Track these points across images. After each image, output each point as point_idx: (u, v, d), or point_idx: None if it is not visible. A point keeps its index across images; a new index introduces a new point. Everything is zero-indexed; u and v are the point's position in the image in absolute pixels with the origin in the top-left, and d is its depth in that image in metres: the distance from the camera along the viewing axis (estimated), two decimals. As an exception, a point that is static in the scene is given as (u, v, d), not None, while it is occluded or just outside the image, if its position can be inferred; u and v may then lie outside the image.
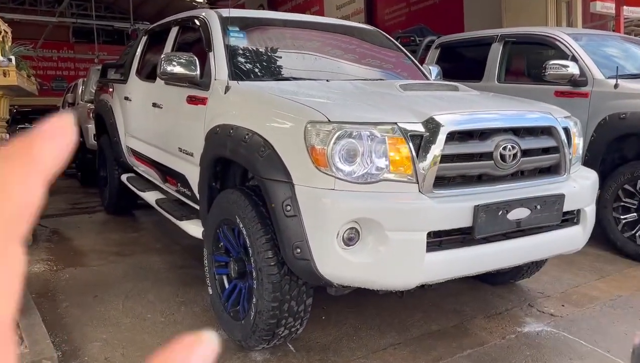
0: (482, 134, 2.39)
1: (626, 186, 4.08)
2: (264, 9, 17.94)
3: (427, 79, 3.89)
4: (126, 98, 4.81)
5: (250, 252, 2.47)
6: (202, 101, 3.15)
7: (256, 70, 3.28)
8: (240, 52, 3.33)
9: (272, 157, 2.36)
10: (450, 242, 2.30)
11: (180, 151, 3.48)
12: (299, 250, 2.21)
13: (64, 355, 2.62)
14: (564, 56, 4.56)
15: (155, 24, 4.82)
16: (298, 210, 2.22)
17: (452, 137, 2.29)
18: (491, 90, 5.06)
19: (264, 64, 3.37)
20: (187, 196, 3.53)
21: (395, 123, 2.25)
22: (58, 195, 7.72)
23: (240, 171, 2.99)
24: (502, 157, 2.38)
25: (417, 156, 2.23)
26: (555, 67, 4.31)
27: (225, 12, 3.49)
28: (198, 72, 3.14)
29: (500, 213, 2.33)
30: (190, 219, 3.43)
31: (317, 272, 2.20)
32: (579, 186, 2.66)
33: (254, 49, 3.44)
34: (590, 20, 9.14)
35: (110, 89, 5.37)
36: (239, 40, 3.39)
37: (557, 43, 4.71)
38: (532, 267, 3.33)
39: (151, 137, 4.16)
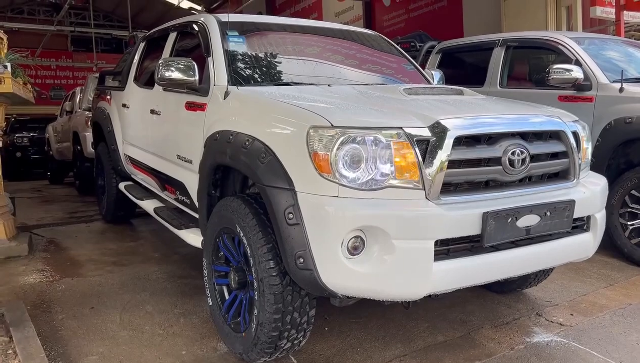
0: (490, 139, 2.32)
1: (633, 192, 4.01)
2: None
3: (430, 83, 3.83)
4: (124, 105, 4.74)
5: (251, 261, 2.39)
6: (201, 107, 3.09)
7: (256, 75, 3.21)
8: (240, 57, 3.26)
9: (273, 164, 2.28)
10: (458, 251, 2.22)
11: (179, 158, 3.41)
12: (301, 260, 2.13)
13: (59, 369, 2.54)
14: (567, 60, 4.51)
15: (153, 30, 4.76)
16: (301, 218, 2.14)
17: (460, 141, 2.22)
18: (494, 95, 5.01)
19: (264, 69, 3.30)
20: (186, 204, 3.45)
21: (401, 127, 2.18)
22: (56, 204, 7.67)
23: (240, 178, 2.92)
24: (511, 162, 2.30)
25: (423, 162, 2.16)
26: (559, 71, 4.26)
27: (224, 17, 3.44)
28: (197, 77, 3.08)
29: (509, 220, 2.25)
30: (189, 228, 3.35)
31: (321, 283, 2.12)
32: (589, 192, 2.58)
33: (254, 54, 3.37)
34: (590, 25, 9.11)
35: (108, 97, 5.31)
36: (238, 45, 3.33)
37: (560, 47, 4.66)
38: (539, 275, 3.25)
39: (149, 145, 4.09)
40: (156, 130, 3.92)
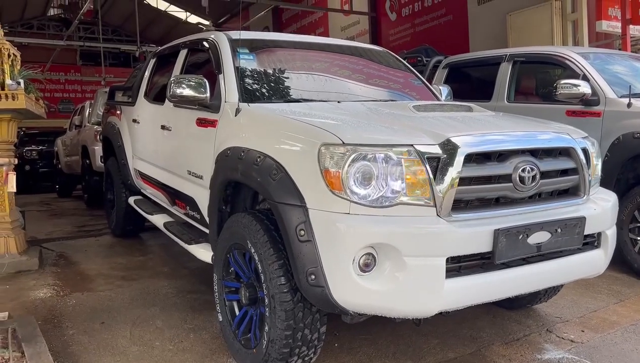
0: (500, 156, 2.33)
1: (642, 207, 4.00)
2: (268, 30, 18.13)
3: (438, 99, 3.86)
4: (134, 120, 4.79)
5: (262, 277, 2.40)
6: (212, 123, 3.12)
7: (267, 92, 3.25)
8: (250, 74, 3.30)
9: (284, 181, 2.30)
10: (469, 268, 2.22)
11: (190, 174, 3.44)
12: (313, 277, 2.15)
13: (70, 385, 2.54)
14: (574, 75, 4.52)
15: (163, 47, 4.82)
16: (312, 235, 2.16)
17: (470, 159, 2.23)
18: (501, 110, 5.02)
19: (275, 85, 3.34)
20: (196, 219, 3.47)
21: (412, 145, 2.19)
22: (64, 217, 7.72)
23: (251, 194, 2.94)
24: (521, 179, 2.31)
25: (434, 179, 2.17)
26: (567, 86, 4.27)
27: (235, 35, 3.48)
28: (208, 94, 3.11)
29: (520, 237, 2.25)
30: (199, 243, 3.36)
31: (332, 300, 2.13)
32: (600, 208, 2.58)
33: (264, 70, 3.41)
34: (596, 39, 9.13)
35: (118, 111, 5.37)
36: (249, 62, 3.37)
37: (567, 62, 4.68)
38: (549, 291, 3.24)
39: (159, 160, 4.12)
40: (167, 146, 3.95)
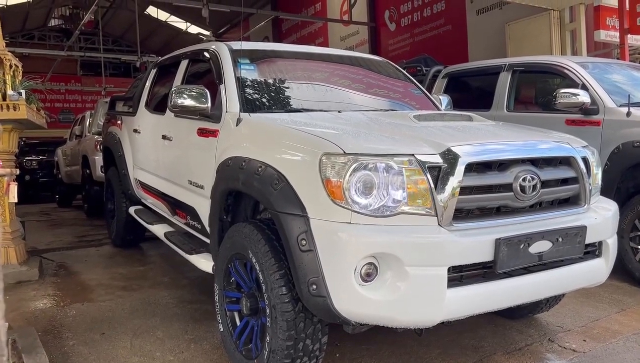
0: (501, 165, 2.34)
1: (643, 215, 4.01)
2: (268, 40, 18.23)
3: (438, 109, 3.87)
4: (135, 130, 4.80)
5: (263, 287, 2.40)
6: (213, 133, 3.13)
7: (267, 102, 3.26)
8: (251, 84, 3.31)
9: (286, 190, 2.31)
10: (471, 277, 2.22)
11: (190, 184, 3.44)
12: (314, 287, 2.14)
13: (71, 396, 2.53)
14: (574, 85, 4.54)
15: (164, 57, 4.85)
16: (313, 244, 2.16)
17: (471, 168, 2.24)
18: (500, 120, 5.04)
19: (275, 95, 3.35)
20: (197, 229, 3.47)
21: (412, 154, 2.20)
22: (65, 227, 7.71)
23: (252, 204, 2.94)
24: (522, 188, 2.32)
25: (435, 188, 2.17)
26: (566, 95, 4.29)
27: (236, 45, 3.50)
28: (209, 104, 3.13)
29: (522, 246, 2.25)
30: (200, 253, 3.36)
31: (334, 310, 2.13)
32: (601, 217, 2.58)
33: (265, 81, 3.43)
34: (594, 48, 9.18)
35: (119, 122, 5.38)
36: (250, 72, 3.38)
37: (566, 71, 4.70)
38: (551, 300, 3.24)
39: (160, 170, 4.13)
40: (167, 156, 3.96)
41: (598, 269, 2.60)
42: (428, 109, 3.76)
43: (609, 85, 4.57)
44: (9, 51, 4.36)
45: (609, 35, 8.92)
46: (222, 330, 2.80)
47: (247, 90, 3.23)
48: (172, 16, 22.26)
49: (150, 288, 4.20)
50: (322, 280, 2.13)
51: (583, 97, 4.28)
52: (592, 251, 2.61)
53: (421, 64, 7.52)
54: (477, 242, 2.17)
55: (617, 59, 8.61)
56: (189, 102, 3.12)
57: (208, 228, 3.12)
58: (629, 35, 8.14)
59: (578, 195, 2.57)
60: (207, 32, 21.34)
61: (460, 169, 2.20)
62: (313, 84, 3.52)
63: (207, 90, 3.13)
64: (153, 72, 4.90)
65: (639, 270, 4.02)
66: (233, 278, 2.75)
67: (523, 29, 9.45)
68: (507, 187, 2.32)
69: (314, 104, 3.32)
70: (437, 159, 2.21)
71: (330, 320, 2.25)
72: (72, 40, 17.92)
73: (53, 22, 23.72)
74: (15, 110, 4.18)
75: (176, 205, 3.79)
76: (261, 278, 2.40)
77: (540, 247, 2.32)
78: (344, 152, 2.18)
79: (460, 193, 2.20)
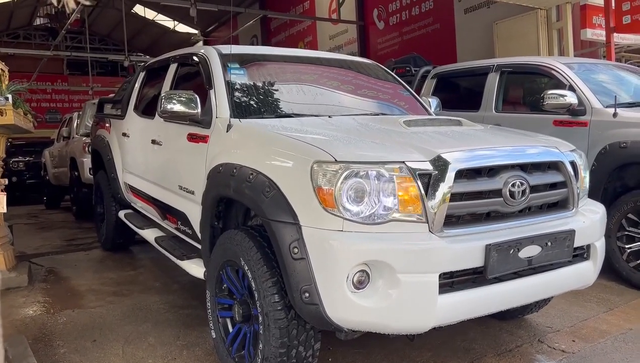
0: (490, 171, 2.36)
1: (630, 215, 4.06)
2: (257, 39, 18.17)
3: (427, 111, 3.89)
4: (124, 134, 4.78)
5: (255, 295, 2.40)
6: (204, 139, 3.12)
7: (258, 107, 3.26)
8: (241, 89, 3.31)
9: (277, 198, 2.31)
10: (462, 283, 2.24)
11: (181, 189, 3.43)
12: (307, 295, 2.15)
13: (63, 406, 2.52)
14: (561, 85, 4.58)
15: (153, 60, 4.82)
16: (306, 252, 2.17)
17: (461, 174, 2.26)
18: (489, 120, 5.08)
19: (266, 100, 3.35)
20: (187, 234, 3.47)
21: (403, 162, 2.21)
22: (53, 230, 7.64)
23: (243, 210, 2.94)
24: (511, 193, 2.34)
25: (426, 195, 2.19)
26: (554, 96, 4.33)
27: (226, 49, 3.49)
28: (199, 110, 3.12)
29: (511, 251, 2.28)
30: (191, 259, 3.35)
31: (327, 317, 2.14)
32: (589, 221, 2.62)
33: (255, 85, 3.42)
34: (581, 47, 9.27)
35: (107, 125, 5.35)
36: (240, 77, 3.38)
37: (554, 72, 4.75)
38: (540, 302, 3.27)
39: (150, 174, 4.11)
40: (157, 160, 3.94)
41: (586, 272, 2.64)
42: (417, 111, 3.78)
43: (595, 86, 4.62)
44: (-6, 53, 4.30)
45: (595, 33, 9.02)
46: (214, 336, 2.80)
47: (237, 95, 3.23)
48: (160, 15, 22.10)
49: (141, 294, 4.19)
50: (314, 288, 2.14)
51: (570, 98, 4.32)
52: (581, 254, 2.64)
53: (410, 64, 7.53)
54: (467, 248, 2.19)
55: (604, 57, 8.71)
56: (178, 107, 3.11)
57: (199, 234, 3.12)
58: (615, 34, 8.23)
59: (566, 199, 2.60)
60: (195, 31, 21.24)
61: (450, 175, 2.21)
62: (303, 88, 3.53)
63: (196, 96, 3.12)
64: (142, 75, 4.87)
65: (626, 269, 4.08)
66: (225, 285, 2.75)
67: (511, 27, 9.51)
68: (497, 193, 2.34)
69: (305, 108, 3.32)
70: (428, 166, 2.23)
71: (323, 327, 2.26)
72: (58, 40, 17.74)
73: (38, 21, 23.43)
74: (2, 115, 4.13)
75: (166, 210, 3.78)
76: (253, 285, 2.40)
77: (530, 251, 2.34)
78: (335, 160, 2.19)
79: (451, 200, 2.21)
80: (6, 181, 4.39)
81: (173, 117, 3.23)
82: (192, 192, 3.24)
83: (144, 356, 3.04)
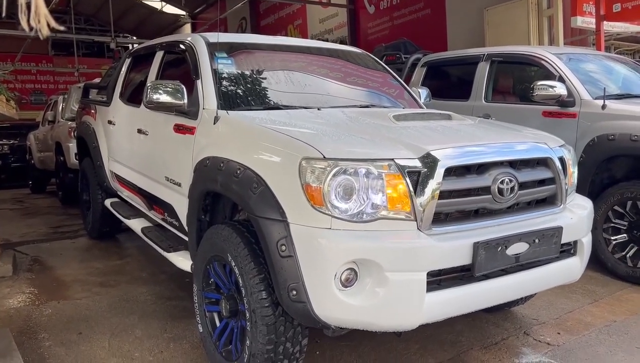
0: (479, 168, 2.35)
1: (616, 207, 4.09)
2: (246, 22, 17.94)
3: (417, 102, 3.86)
4: (110, 122, 4.70)
5: (242, 291, 2.38)
6: (190, 131, 3.07)
7: (246, 98, 3.20)
8: (229, 79, 3.25)
9: (265, 194, 2.28)
10: (449, 280, 2.24)
11: (167, 180, 3.39)
12: (294, 292, 2.14)
13: (48, 401, 2.50)
14: (551, 76, 4.57)
15: (139, 47, 4.73)
16: (293, 250, 2.15)
17: (450, 172, 2.24)
18: (478, 110, 5.06)
19: (254, 91, 3.29)
20: (174, 226, 3.43)
21: (392, 159, 2.19)
22: (39, 217, 7.56)
23: (231, 204, 2.91)
24: (500, 191, 2.34)
25: (414, 192, 2.17)
26: (543, 87, 4.33)
27: (213, 37, 3.42)
28: (185, 100, 3.07)
29: (499, 249, 2.28)
30: (178, 251, 3.32)
31: (314, 315, 2.13)
32: (576, 217, 2.62)
33: (243, 75, 3.36)
34: (571, 34, 9.25)
35: (93, 111, 5.25)
36: (227, 66, 3.32)
37: (543, 63, 4.73)
38: (527, 295, 3.29)
39: (136, 164, 4.05)
40: (143, 150, 3.88)
41: (573, 268, 2.65)
42: (406, 101, 3.75)
43: (585, 77, 4.61)
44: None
45: (585, 21, 8.99)
46: (201, 330, 2.78)
47: (225, 85, 3.17)
48: (147, -5, 21.68)
49: (127, 284, 4.16)
50: (302, 285, 2.12)
51: (559, 89, 4.32)
52: (567, 250, 2.65)
53: (400, 50, 7.49)
54: (455, 246, 2.19)
55: (593, 45, 8.70)
56: (164, 98, 3.06)
57: (186, 227, 3.08)
58: (604, 22, 8.21)
59: (555, 195, 2.60)
60: (183, 13, 20.90)
61: (439, 172, 2.20)
62: (292, 78, 3.47)
63: (183, 86, 3.07)
64: (127, 61, 4.78)
65: (612, 260, 4.12)
66: (212, 280, 2.73)
67: (501, 14, 9.45)
68: (486, 190, 2.33)
69: (294, 99, 3.28)
70: (417, 163, 2.21)
71: (310, 324, 2.25)
72: (42, 20, 17.33)
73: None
74: (-17, 102, 4.04)
75: (153, 201, 3.74)
76: (241, 282, 2.38)
77: (518, 248, 2.34)
78: (324, 157, 2.16)
79: (440, 197, 2.20)
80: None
81: (159, 108, 3.18)
82: (179, 184, 3.20)
83: (131, 349, 3.03)
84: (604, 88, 4.30)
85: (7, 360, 2.69)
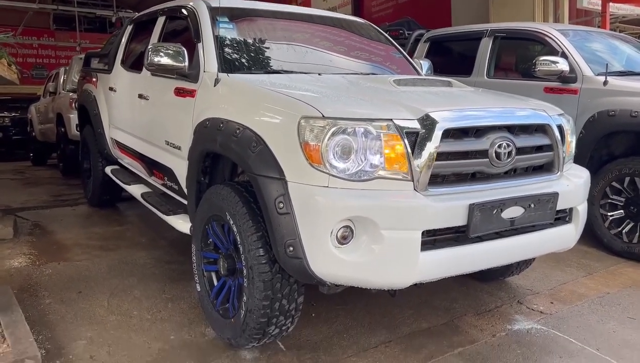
0: (477, 132, 2.36)
1: (613, 183, 4.11)
2: (250, -2, 17.72)
3: (419, 73, 3.86)
4: (111, 88, 4.70)
5: (240, 249, 2.41)
6: (191, 93, 3.08)
7: (246, 62, 3.21)
8: (230, 43, 3.25)
9: (264, 153, 2.30)
10: (444, 241, 2.27)
11: (167, 144, 3.40)
12: (291, 249, 2.17)
13: (48, 353, 2.55)
14: (554, 52, 4.56)
15: (141, 13, 4.70)
16: (291, 207, 2.17)
17: (448, 134, 2.26)
18: (480, 86, 5.05)
19: (255, 56, 3.29)
20: (174, 190, 3.46)
21: (391, 119, 2.21)
22: (40, 186, 7.59)
23: (230, 165, 2.93)
24: (497, 155, 2.35)
25: (412, 153, 2.19)
26: (545, 63, 4.31)
27: (215, 2, 3.41)
28: (186, 63, 3.07)
29: (494, 212, 2.30)
30: (177, 214, 3.36)
31: (310, 271, 2.16)
32: (572, 184, 2.64)
33: (244, 40, 3.36)
34: (576, 15, 9.19)
35: (94, 79, 5.25)
36: (229, 31, 3.31)
37: (547, 39, 4.71)
38: (521, 264, 3.33)
39: (137, 129, 4.06)
40: (144, 115, 3.89)
41: (568, 235, 2.68)
42: (408, 73, 3.75)
43: (588, 54, 4.60)
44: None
45: (591, 2, 8.93)
46: (199, 290, 2.82)
47: (226, 49, 3.17)
48: (150, -31, 21.43)
49: (127, 249, 4.20)
50: (298, 242, 2.15)
51: (562, 65, 4.30)
52: (563, 217, 2.68)
53: (404, 28, 7.44)
54: (451, 207, 2.21)
55: (598, 27, 8.64)
56: (165, 60, 3.06)
57: (185, 190, 3.11)
58: (610, 4, 8.15)
59: (552, 162, 2.61)
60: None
61: (437, 134, 2.21)
62: (293, 45, 3.47)
63: (184, 49, 3.07)
64: (129, 28, 4.77)
65: (608, 236, 4.15)
66: (210, 240, 2.76)
67: (507, -6, 9.36)
68: (483, 154, 2.35)
69: (294, 66, 3.27)
70: (415, 125, 2.22)
71: (306, 281, 2.29)
72: (44, -8, 17.21)
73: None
74: (-17, 64, 4.04)
75: (153, 166, 3.76)
76: (239, 240, 2.42)
77: (513, 212, 2.37)
78: (323, 116, 2.17)
79: (437, 159, 2.22)
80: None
81: (160, 70, 3.17)
82: (179, 148, 3.22)
83: (129, 308, 3.07)
84: (606, 64, 4.29)
85: (7, 315, 2.74)
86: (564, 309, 3.15)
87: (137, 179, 4.35)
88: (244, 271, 2.40)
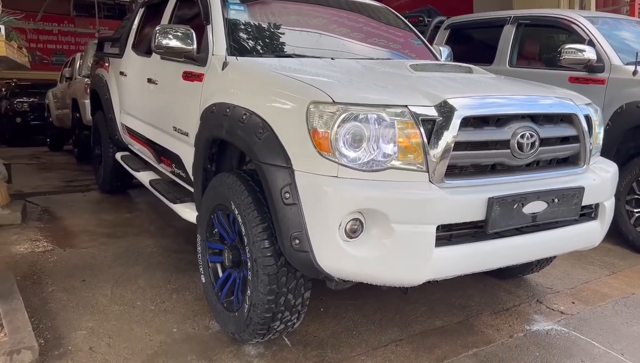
0: (499, 120, 2.21)
1: (641, 178, 3.91)
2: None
3: (438, 60, 3.70)
4: (121, 73, 4.61)
5: (245, 240, 2.30)
6: (199, 77, 2.97)
7: (256, 45, 3.08)
8: (240, 26, 3.12)
9: (270, 140, 2.18)
10: (460, 236, 2.13)
11: (175, 130, 3.31)
12: (297, 241, 2.05)
13: (47, 343, 2.48)
14: (580, 40, 4.35)
15: (153, -4, 4.60)
16: (298, 198, 2.05)
17: (467, 122, 2.11)
18: (502, 75, 4.86)
19: (265, 39, 3.17)
20: (181, 178, 3.36)
21: (406, 106, 2.06)
22: (54, 171, 7.60)
23: (237, 153, 2.82)
24: (520, 145, 2.20)
25: (428, 143, 2.05)
26: (571, 51, 4.11)
27: (226, -17, 3.28)
28: (195, 46, 2.95)
29: (515, 206, 2.15)
30: (184, 202, 3.27)
31: (317, 265, 2.04)
32: (599, 179, 2.48)
33: (255, 23, 3.23)
34: (603, 4, 8.87)
35: (107, 64, 5.17)
36: (239, 13, 3.19)
37: (574, 26, 4.50)
38: (542, 262, 3.17)
39: (146, 115, 3.97)
40: (153, 100, 3.80)
41: (593, 232, 2.51)
42: (427, 59, 3.59)
43: (617, 43, 4.38)
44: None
45: (619, -9, 8.61)
46: (204, 281, 2.73)
47: (236, 32, 3.05)
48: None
49: (135, 236, 4.13)
50: (305, 235, 2.03)
51: (589, 54, 4.10)
52: (588, 213, 2.51)
53: (424, 15, 7.24)
54: (468, 200, 2.07)
55: (626, 15, 8.33)
56: (174, 42, 2.95)
57: (192, 177, 3.01)
58: (640, -8, 7.85)
59: (577, 154, 2.45)
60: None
61: (455, 122, 2.06)
62: (306, 29, 3.33)
63: (192, 31, 2.95)
64: (141, 11, 4.67)
65: (633, 233, 3.97)
66: (216, 230, 2.66)
67: (531, -19, 9.07)
68: (504, 144, 2.19)
69: (306, 50, 3.14)
70: (432, 112, 2.08)
71: (312, 275, 2.17)
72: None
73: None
74: (-7, 46, 3.96)
75: (161, 153, 3.66)
76: (243, 230, 2.30)
77: (535, 207, 2.22)
78: (333, 101, 2.04)
79: (455, 149, 2.07)
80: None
81: (168, 53, 3.07)
82: (186, 134, 3.11)
83: (133, 298, 2.99)
84: (637, 53, 4.07)
85: (7, 302, 2.67)
86: (586, 310, 2.99)
87: (146, 166, 4.27)
88: (249, 264, 2.29)
